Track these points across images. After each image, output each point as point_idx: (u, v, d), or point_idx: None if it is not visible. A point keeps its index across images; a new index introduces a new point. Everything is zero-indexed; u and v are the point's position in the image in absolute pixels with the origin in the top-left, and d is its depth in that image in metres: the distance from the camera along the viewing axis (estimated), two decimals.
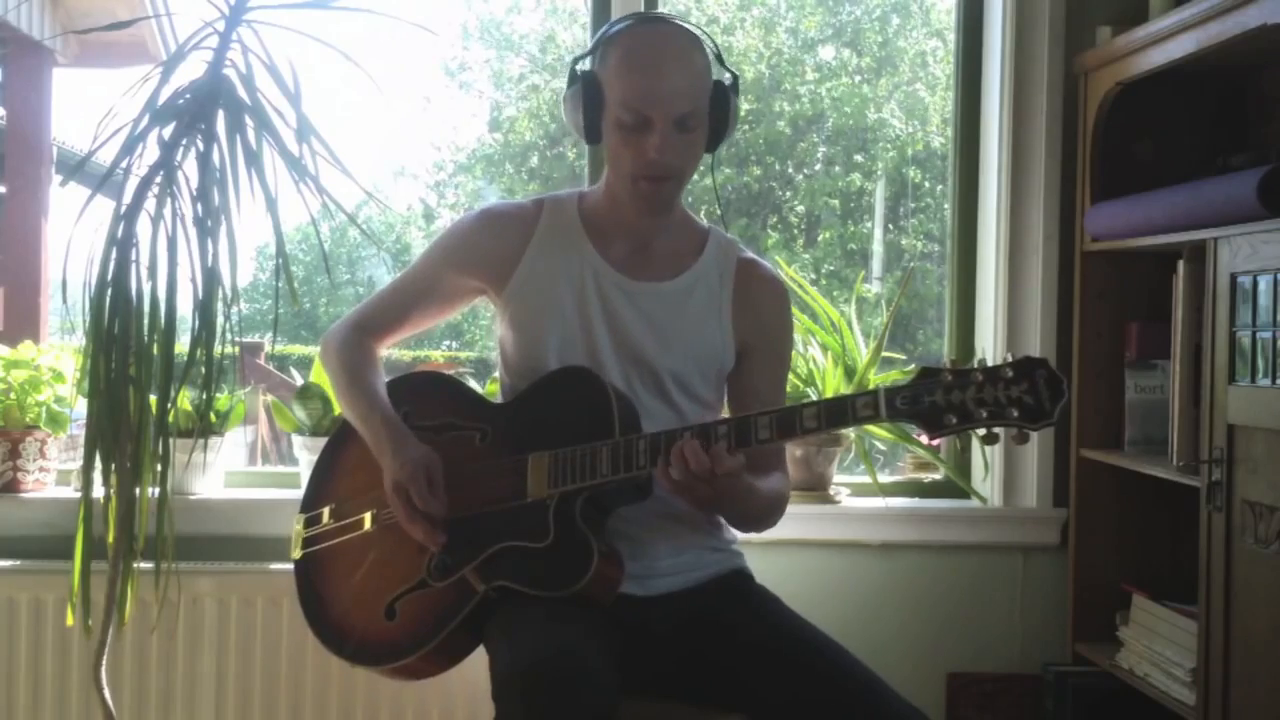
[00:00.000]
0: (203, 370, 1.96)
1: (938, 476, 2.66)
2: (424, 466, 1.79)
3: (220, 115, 1.96)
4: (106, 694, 2.02)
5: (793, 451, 2.47)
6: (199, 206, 1.94)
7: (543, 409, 1.82)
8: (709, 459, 1.62)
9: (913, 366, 2.67)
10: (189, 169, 1.96)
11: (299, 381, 2.60)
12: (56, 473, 2.51)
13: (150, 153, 1.96)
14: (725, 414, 2.01)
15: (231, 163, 1.94)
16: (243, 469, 2.72)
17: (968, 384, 1.54)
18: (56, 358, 2.49)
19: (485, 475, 1.81)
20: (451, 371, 2.19)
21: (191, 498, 2.44)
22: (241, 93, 1.96)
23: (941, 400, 1.55)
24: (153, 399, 1.98)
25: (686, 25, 1.85)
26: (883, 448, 2.76)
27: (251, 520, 2.43)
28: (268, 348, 4.22)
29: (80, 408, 2.17)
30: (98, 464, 1.96)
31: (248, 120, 1.95)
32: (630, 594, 1.76)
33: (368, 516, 1.90)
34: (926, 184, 5.15)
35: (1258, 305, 1.88)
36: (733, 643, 1.77)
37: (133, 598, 2.03)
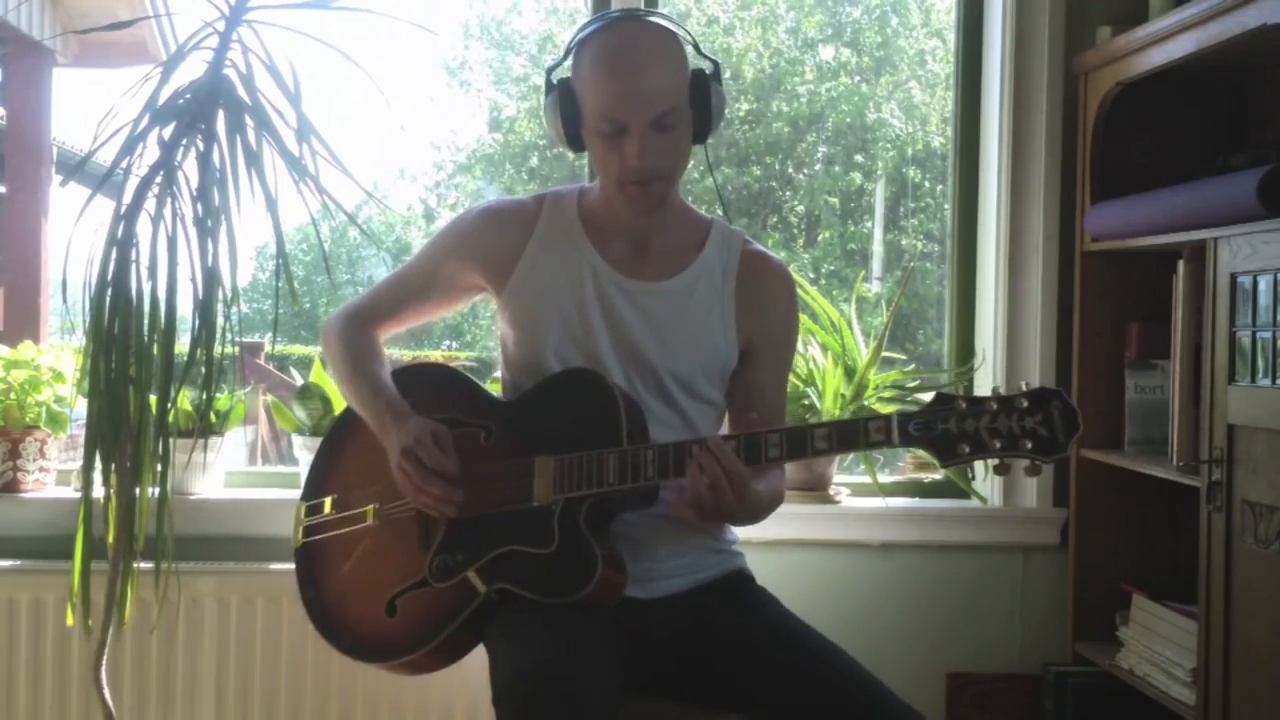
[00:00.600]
0: (203, 370, 1.96)
1: (938, 476, 2.65)
2: (429, 430, 1.78)
3: (220, 115, 1.96)
4: (106, 694, 2.02)
5: None
6: (199, 206, 1.94)
7: (550, 411, 1.81)
8: (727, 462, 1.61)
9: (913, 366, 2.68)
10: (189, 169, 1.96)
11: (299, 381, 2.60)
12: (56, 473, 2.51)
13: (150, 153, 1.96)
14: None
15: (231, 163, 1.94)
16: (243, 469, 2.72)
17: (981, 412, 1.53)
18: (56, 358, 2.49)
19: (490, 476, 1.80)
20: (458, 366, 2.19)
21: (191, 498, 2.44)
22: (241, 93, 1.96)
23: (955, 428, 1.54)
24: (153, 399, 1.98)
25: (657, 20, 1.80)
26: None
27: (251, 520, 2.43)
28: (268, 348, 4.22)
29: (80, 408, 2.17)
30: (98, 464, 1.97)
31: (248, 120, 1.95)
32: (631, 596, 1.75)
33: (370, 510, 1.89)
34: (926, 184, 5.15)
35: (1258, 305, 1.88)
36: (732, 644, 1.76)
37: (133, 598, 2.03)
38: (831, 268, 5.49)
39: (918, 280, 4.35)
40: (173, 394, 1.98)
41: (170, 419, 2.00)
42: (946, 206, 2.80)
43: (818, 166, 5.78)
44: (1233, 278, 1.93)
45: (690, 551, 1.85)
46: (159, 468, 1.99)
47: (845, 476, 2.63)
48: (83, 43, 4.04)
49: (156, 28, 3.66)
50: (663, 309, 1.86)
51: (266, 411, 3.38)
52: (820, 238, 5.62)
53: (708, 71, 1.81)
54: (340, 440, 2.01)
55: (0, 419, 2.43)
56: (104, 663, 2.01)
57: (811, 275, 5.30)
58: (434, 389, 1.92)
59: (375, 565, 1.86)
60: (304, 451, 2.42)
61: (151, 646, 2.30)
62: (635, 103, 1.72)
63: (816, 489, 2.52)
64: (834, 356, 2.52)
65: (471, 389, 1.93)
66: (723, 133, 5.38)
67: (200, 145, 1.95)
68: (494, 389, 2.10)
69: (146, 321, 1.94)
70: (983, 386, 2.64)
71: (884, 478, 2.62)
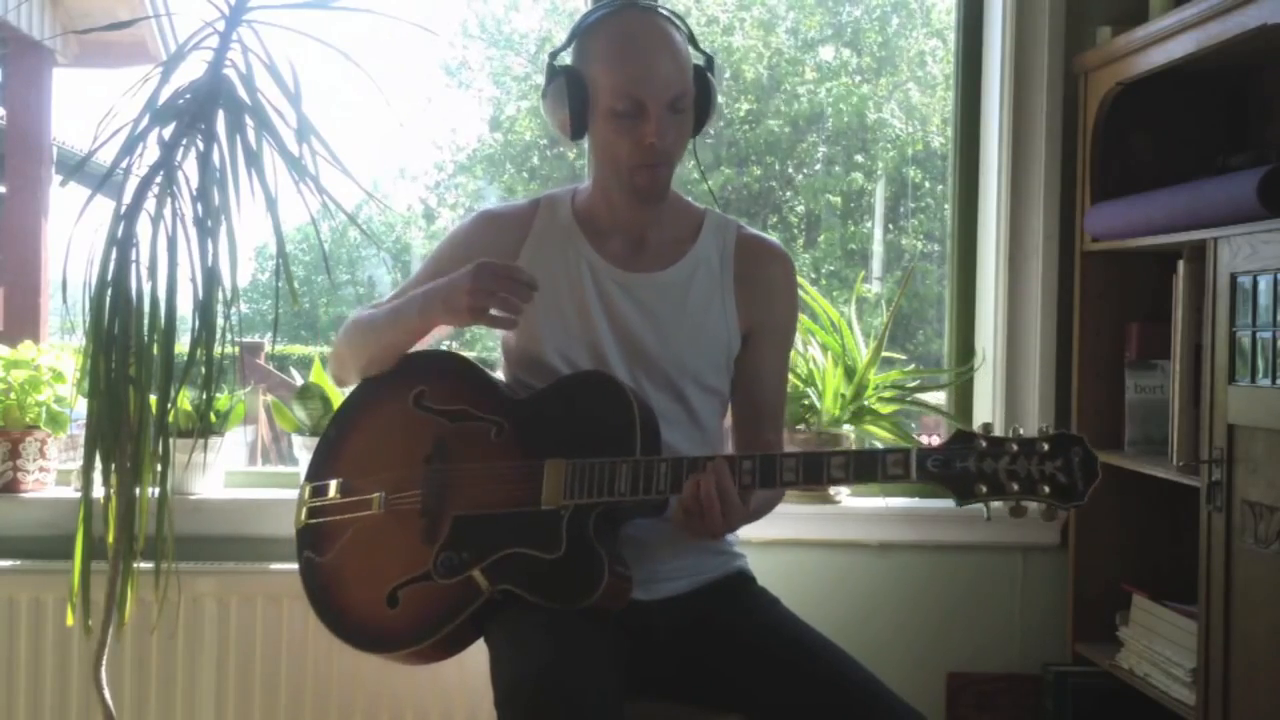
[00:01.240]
0: (203, 370, 1.96)
1: None
2: (480, 259, 1.75)
3: (220, 115, 1.96)
4: (106, 694, 2.02)
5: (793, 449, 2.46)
6: (199, 206, 1.94)
7: (563, 412, 1.80)
8: (724, 491, 1.63)
9: (913, 366, 2.67)
10: (189, 169, 1.96)
11: (299, 381, 2.60)
12: (56, 473, 2.51)
13: (150, 153, 1.96)
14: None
15: (231, 163, 1.94)
16: (243, 469, 2.72)
17: (1001, 453, 1.53)
18: (56, 358, 2.49)
19: (499, 475, 1.79)
20: (470, 356, 2.18)
21: (191, 498, 2.44)
22: (241, 93, 1.96)
23: (974, 467, 1.54)
24: (153, 399, 1.98)
25: (661, 9, 1.85)
26: (882, 448, 2.76)
27: (251, 520, 2.43)
28: (268, 348, 4.22)
29: (80, 408, 2.17)
30: (98, 464, 1.96)
31: (248, 120, 1.95)
32: (632, 598, 1.75)
33: (376, 498, 1.87)
34: (926, 184, 5.15)
35: (1258, 305, 1.87)
36: (733, 645, 1.77)
37: (133, 598, 2.03)
38: (831, 268, 5.49)
39: (918, 280, 4.35)
40: (173, 394, 1.98)
41: (170, 419, 2.00)
42: (946, 206, 2.80)
43: (818, 166, 5.78)
44: (1233, 278, 1.93)
45: (691, 553, 1.85)
46: (159, 468, 1.99)
47: None
48: (83, 43, 4.04)
49: (156, 28, 3.66)
50: (662, 300, 1.87)
51: (266, 411, 3.39)
52: (820, 238, 5.62)
53: (704, 65, 1.85)
54: (348, 423, 1.98)
55: (0, 419, 2.43)
56: (104, 663, 2.01)
57: (811, 275, 5.30)
58: (447, 378, 1.91)
59: (378, 554, 1.84)
60: (304, 451, 2.42)
61: (151, 646, 2.30)
62: (655, 82, 1.76)
63: (816, 489, 2.52)
64: (834, 356, 2.52)
65: (486, 383, 1.91)
66: (723, 133, 5.39)
67: (200, 145, 1.95)
68: None
69: (146, 321, 1.94)
70: (983, 385, 2.64)
71: None
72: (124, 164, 1.96)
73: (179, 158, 1.95)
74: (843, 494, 2.55)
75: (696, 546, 1.86)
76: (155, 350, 1.95)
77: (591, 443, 1.73)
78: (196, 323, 1.95)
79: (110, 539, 1.98)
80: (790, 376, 2.48)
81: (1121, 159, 2.42)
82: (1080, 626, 2.48)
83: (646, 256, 1.90)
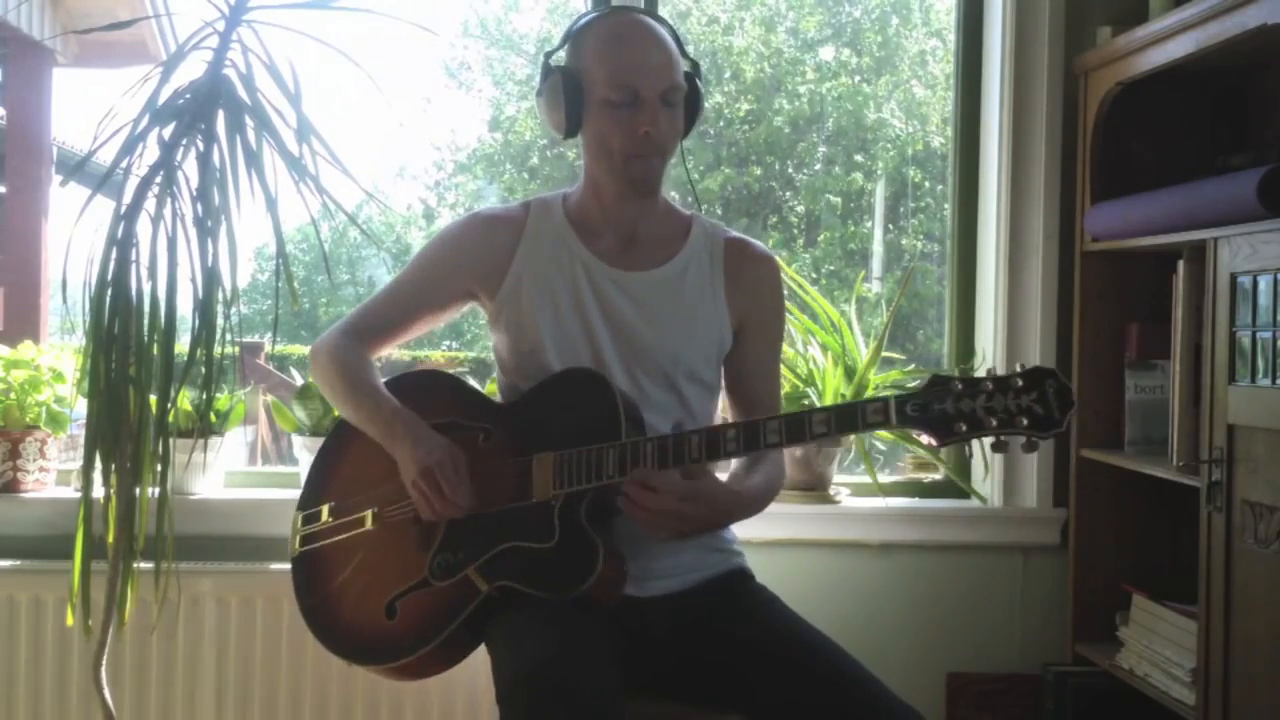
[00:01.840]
0: (203, 370, 1.96)
1: (938, 476, 2.66)
2: (450, 454, 1.78)
3: (220, 115, 1.96)
4: (106, 694, 2.02)
5: (792, 451, 2.47)
6: (199, 206, 1.94)
7: (547, 409, 1.82)
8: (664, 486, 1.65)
9: (913, 366, 2.68)
10: (189, 169, 1.96)
11: (299, 381, 2.60)
12: (56, 473, 2.51)
13: (150, 153, 1.96)
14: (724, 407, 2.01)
15: (231, 163, 1.94)
16: (243, 469, 2.72)
17: (977, 392, 1.55)
18: (56, 358, 2.49)
19: (489, 475, 1.80)
20: (451, 371, 2.19)
21: (191, 498, 2.44)
22: (241, 93, 1.96)
23: (951, 408, 1.56)
24: (153, 399, 1.98)
25: (653, 14, 1.93)
26: (883, 447, 2.76)
27: (251, 520, 2.43)
28: (268, 348, 4.22)
29: (80, 408, 2.17)
30: (98, 464, 1.97)
31: (248, 120, 1.95)
32: (630, 595, 1.75)
33: (369, 515, 1.89)
34: (926, 184, 5.15)
35: (1258, 305, 1.88)
36: (731, 643, 1.77)
37: (133, 598, 2.03)
38: (831, 268, 5.49)
39: (918, 280, 4.35)
40: (173, 394, 1.98)
41: (170, 419, 2.00)
42: (946, 206, 2.81)
43: (818, 166, 5.78)
44: (1233, 278, 1.93)
45: (689, 550, 1.86)
46: (159, 468, 1.99)
47: (845, 476, 2.63)
48: (83, 43, 4.05)
49: (156, 28, 3.66)
50: (657, 297, 1.89)
51: (266, 411, 3.39)
52: (820, 238, 5.62)
53: (690, 70, 1.91)
54: (335, 450, 2.01)
55: (0, 419, 2.43)
56: (104, 663, 2.01)
57: (812, 275, 5.30)
58: (427, 395, 1.93)
59: (374, 569, 1.86)
60: (304, 451, 2.42)
61: (151, 646, 2.30)
62: (649, 72, 1.80)
63: (816, 489, 2.52)
64: (834, 356, 2.52)
65: (465, 391, 1.95)
66: (723, 133, 5.38)
67: (200, 145, 1.95)
68: (491, 391, 2.10)
69: (146, 321, 1.94)
70: None
71: (884, 478, 2.62)
72: (124, 164, 1.96)
73: (179, 158, 1.95)
74: (843, 494, 2.55)
75: (694, 544, 1.86)
76: (155, 350, 1.96)
77: (577, 434, 1.75)
78: (196, 323, 1.95)
79: (110, 539, 1.98)
80: (790, 376, 2.49)
81: (1121, 159, 2.42)
82: (1080, 626, 2.48)
83: (639, 256, 1.91)
